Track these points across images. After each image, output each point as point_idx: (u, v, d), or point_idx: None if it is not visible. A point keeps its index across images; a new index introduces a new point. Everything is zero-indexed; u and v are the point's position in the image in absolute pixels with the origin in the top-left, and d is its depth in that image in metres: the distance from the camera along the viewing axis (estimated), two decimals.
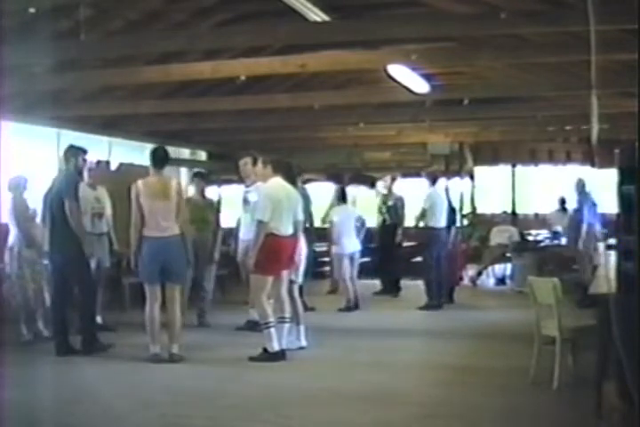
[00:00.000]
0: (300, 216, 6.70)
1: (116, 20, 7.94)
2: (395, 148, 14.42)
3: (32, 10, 6.84)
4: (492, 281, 12.09)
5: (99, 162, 10.17)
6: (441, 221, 9.50)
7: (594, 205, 9.67)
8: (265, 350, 6.27)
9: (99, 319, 7.38)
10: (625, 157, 4.29)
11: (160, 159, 6.47)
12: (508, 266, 11.88)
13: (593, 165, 10.62)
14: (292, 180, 6.77)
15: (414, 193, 10.29)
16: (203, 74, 7.73)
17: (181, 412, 4.92)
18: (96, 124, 10.43)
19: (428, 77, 9.93)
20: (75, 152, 6.93)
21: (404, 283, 10.80)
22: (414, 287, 10.32)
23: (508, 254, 11.63)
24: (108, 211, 7.81)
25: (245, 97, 9.93)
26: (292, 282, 6.81)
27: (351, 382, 5.69)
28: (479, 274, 11.84)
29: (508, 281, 11.77)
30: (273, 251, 6.33)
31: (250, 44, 7.35)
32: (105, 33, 7.85)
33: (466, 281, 11.76)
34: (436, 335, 7.65)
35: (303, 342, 6.80)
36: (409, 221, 10.44)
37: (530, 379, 5.39)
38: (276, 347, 6.27)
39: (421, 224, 9.59)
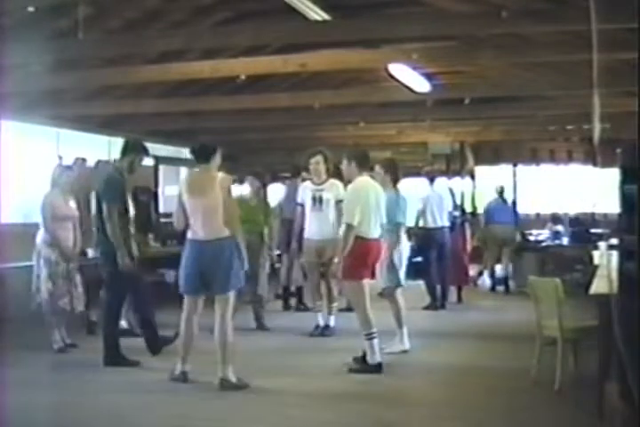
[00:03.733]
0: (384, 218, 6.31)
1: (116, 19, 7.92)
2: (395, 147, 14.38)
3: (31, 8, 6.82)
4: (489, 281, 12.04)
5: (99, 161, 10.18)
6: (436, 221, 9.46)
7: (507, 207, 11.34)
8: (363, 358, 5.95)
9: (123, 324, 7.00)
10: (627, 157, 4.27)
11: (200, 153, 5.65)
12: (509, 266, 11.82)
13: (595, 164, 10.64)
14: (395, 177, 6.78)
15: (414, 193, 10.22)
16: (202, 73, 7.71)
17: (178, 411, 4.91)
18: (95, 123, 10.41)
19: (428, 76, 9.91)
20: (136, 147, 6.45)
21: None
22: (415, 288, 10.29)
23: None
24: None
25: (245, 96, 9.91)
26: (394, 287, 6.68)
27: (352, 383, 5.67)
28: (480, 274, 11.81)
29: (510, 282, 11.72)
30: (363, 254, 5.91)
31: (250, 43, 7.31)
32: (104, 32, 7.83)
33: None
34: (438, 336, 7.63)
35: (407, 346, 6.67)
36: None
37: (531, 380, 5.37)
38: (377, 359, 5.88)
39: (420, 224, 9.55)
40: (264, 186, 8.64)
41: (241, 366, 5.53)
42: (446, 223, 9.63)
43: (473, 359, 6.53)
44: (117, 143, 10.40)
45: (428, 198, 9.49)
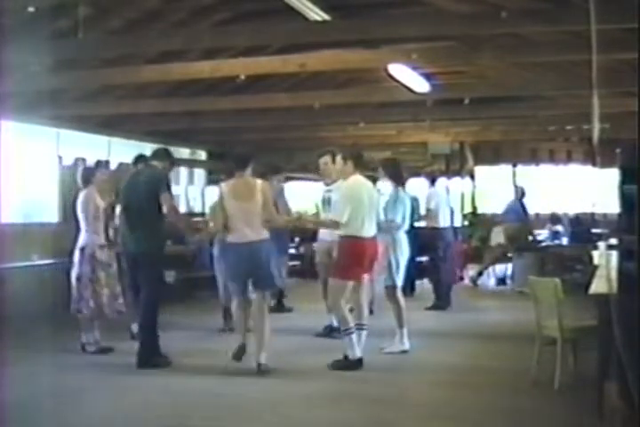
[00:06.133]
0: (382, 216, 6.39)
1: (115, 19, 7.90)
2: (395, 147, 14.38)
3: (31, 9, 6.81)
4: (492, 281, 12.07)
5: (98, 162, 10.19)
6: (446, 220, 9.50)
7: (520, 207, 11.53)
8: (345, 357, 6.00)
9: (135, 327, 6.73)
10: (626, 157, 4.28)
11: (239, 161, 6.09)
12: (509, 266, 11.86)
13: (594, 164, 10.64)
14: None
15: (414, 193, 10.23)
16: (202, 73, 7.69)
17: (178, 411, 4.90)
18: (95, 123, 10.40)
19: (428, 77, 9.90)
20: (166, 155, 6.55)
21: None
22: (417, 287, 10.33)
23: (509, 254, 11.61)
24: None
25: (245, 96, 9.90)
26: (394, 287, 6.68)
27: (351, 383, 5.67)
28: (480, 274, 11.82)
29: (508, 281, 11.76)
30: (354, 254, 5.99)
31: (249, 44, 7.30)
32: (104, 32, 7.81)
33: (466, 281, 11.74)
34: (438, 336, 7.64)
35: (407, 346, 6.65)
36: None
37: (531, 380, 5.37)
38: (357, 354, 5.97)
39: (423, 224, 9.56)
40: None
41: (240, 366, 5.54)
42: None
43: (473, 359, 6.53)
44: (117, 143, 10.39)
45: (434, 198, 9.51)
